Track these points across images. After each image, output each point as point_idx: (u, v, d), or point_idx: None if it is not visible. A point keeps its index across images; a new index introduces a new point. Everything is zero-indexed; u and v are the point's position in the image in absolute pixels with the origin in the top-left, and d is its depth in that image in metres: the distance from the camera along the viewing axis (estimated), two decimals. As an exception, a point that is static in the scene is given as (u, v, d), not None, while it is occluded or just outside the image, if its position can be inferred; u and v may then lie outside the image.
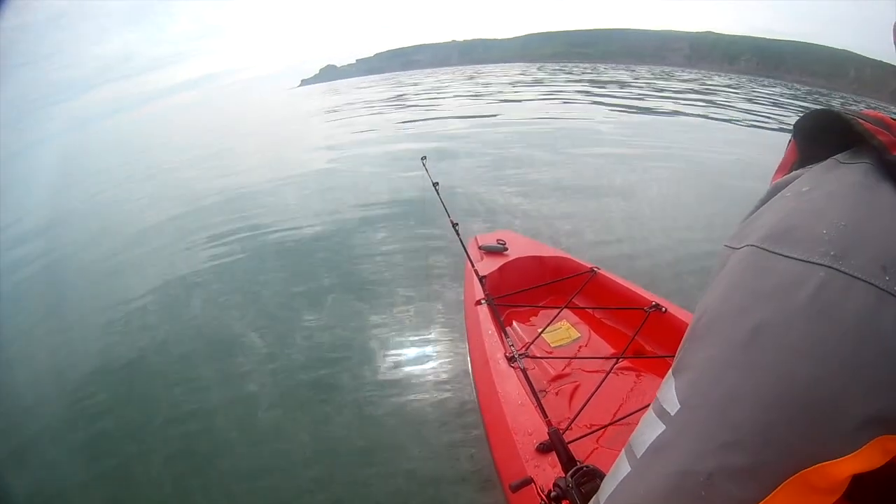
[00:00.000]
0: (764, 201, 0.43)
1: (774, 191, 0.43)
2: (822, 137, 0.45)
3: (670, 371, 0.37)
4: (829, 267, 0.32)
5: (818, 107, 0.48)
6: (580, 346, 2.35)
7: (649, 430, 0.36)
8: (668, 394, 0.35)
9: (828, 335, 0.31)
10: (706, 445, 0.33)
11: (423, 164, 3.02)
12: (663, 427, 0.35)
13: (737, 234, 0.40)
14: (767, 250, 0.36)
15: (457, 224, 2.60)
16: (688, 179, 6.47)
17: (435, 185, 2.83)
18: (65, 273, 5.22)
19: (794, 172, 0.45)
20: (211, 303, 3.75)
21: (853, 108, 0.50)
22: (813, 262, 0.33)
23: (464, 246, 2.51)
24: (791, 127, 0.49)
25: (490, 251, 2.87)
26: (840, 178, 0.39)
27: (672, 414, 0.34)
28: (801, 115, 0.48)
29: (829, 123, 0.44)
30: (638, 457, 0.36)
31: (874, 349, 0.30)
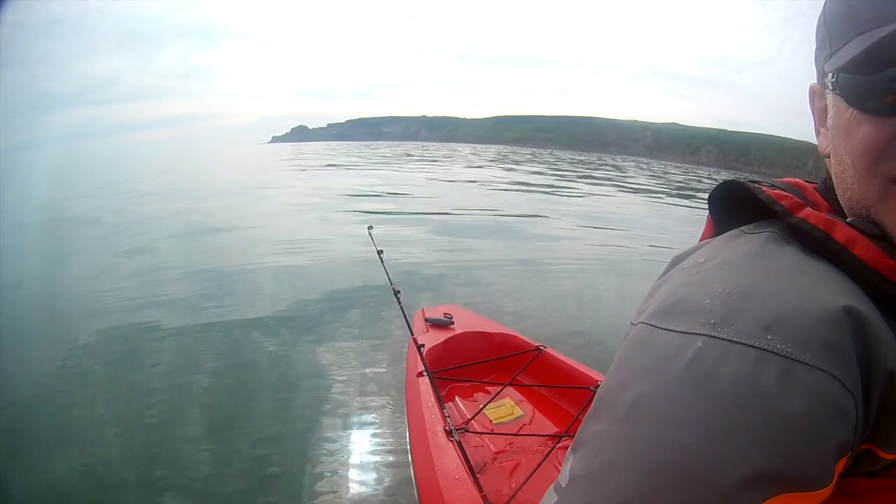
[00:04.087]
0: (662, 275, 0.44)
1: (673, 264, 0.44)
2: (734, 209, 0.45)
3: (570, 447, 0.37)
4: (707, 335, 0.32)
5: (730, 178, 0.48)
6: (524, 424, 2.32)
7: (546, 502, 0.36)
8: (565, 468, 0.35)
9: (702, 401, 0.30)
10: None
11: (369, 233, 3.07)
12: (556, 499, 0.35)
13: (637, 310, 0.40)
14: (654, 326, 0.36)
15: (398, 292, 2.61)
16: (639, 261, 6.74)
17: (380, 252, 2.88)
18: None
19: (695, 245, 0.46)
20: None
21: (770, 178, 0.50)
22: (692, 333, 0.33)
23: (404, 314, 2.51)
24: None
25: (436, 324, 2.85)
26: (737, 247, 0.40)
27: (563, 486, 0.34)
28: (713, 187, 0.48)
29: (739, 194, 0.45)
30: None
31: (753, 409, 0.29)
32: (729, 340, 0.32)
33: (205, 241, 7.24)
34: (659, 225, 10.26)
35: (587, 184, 20.74)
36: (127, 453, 2.52)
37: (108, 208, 10.90)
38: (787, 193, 0.41)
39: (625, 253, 7.22)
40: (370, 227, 3.13)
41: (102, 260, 6.38)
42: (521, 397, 2.50)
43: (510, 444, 2.14)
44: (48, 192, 13.61)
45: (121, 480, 2.34)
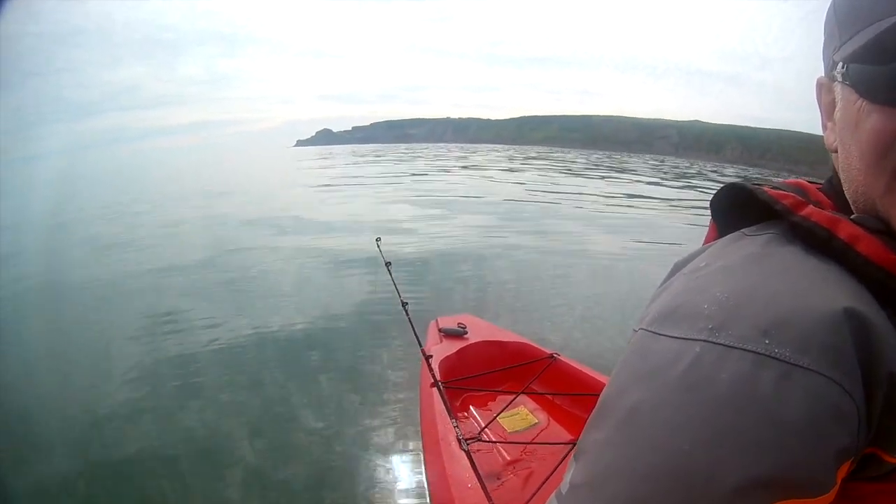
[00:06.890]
0: (665, 281, 0.44)
1: (675, 270, 0.44)
2: (737, 213, 0.45)
3: (573, 455, 0.38)
4: (705, 341, 0.32)
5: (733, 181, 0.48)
6: (538, 432, 2.32)
7: None
8: (567, 476, 0.36)
9: (699, 407, 0.31)
10: None
11: (378, 246, 3.09)
12: None
13: (640, 316, 0.41)
14: (653, 332, 0.36)
15: (406, 303, 2.61)
16: (653, 265, 6.53)
17: (388, 264, 2.89)
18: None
19: (696, 249, 0.46)
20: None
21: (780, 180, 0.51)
22: (690, 339, 0.33)
23: (412, 326, 2.52)
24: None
25: (450, 334, 2.86)
26: (738, 250, 0.40)
27: (563, 493, 0.35)
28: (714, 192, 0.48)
29: (741, 198, 0.45)
30: None
31: (751, 414, 0.29)
32: (727, 346, 0.32)
33: (218, 253, 7.34)
34: (675, 228, 10.02)
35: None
36: (127, 454, 2.60)
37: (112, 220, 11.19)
38: (789, 193, 0.41)
39: (639, 258, 7.07)
40: (378, 239, 3.15)
41: (103, 269, 6.59)
42: (535, 405, 2.50)
43: (524, 452, 2.15)
44: (58, 200, 14.10)
45: (120, 481, 2.42)
